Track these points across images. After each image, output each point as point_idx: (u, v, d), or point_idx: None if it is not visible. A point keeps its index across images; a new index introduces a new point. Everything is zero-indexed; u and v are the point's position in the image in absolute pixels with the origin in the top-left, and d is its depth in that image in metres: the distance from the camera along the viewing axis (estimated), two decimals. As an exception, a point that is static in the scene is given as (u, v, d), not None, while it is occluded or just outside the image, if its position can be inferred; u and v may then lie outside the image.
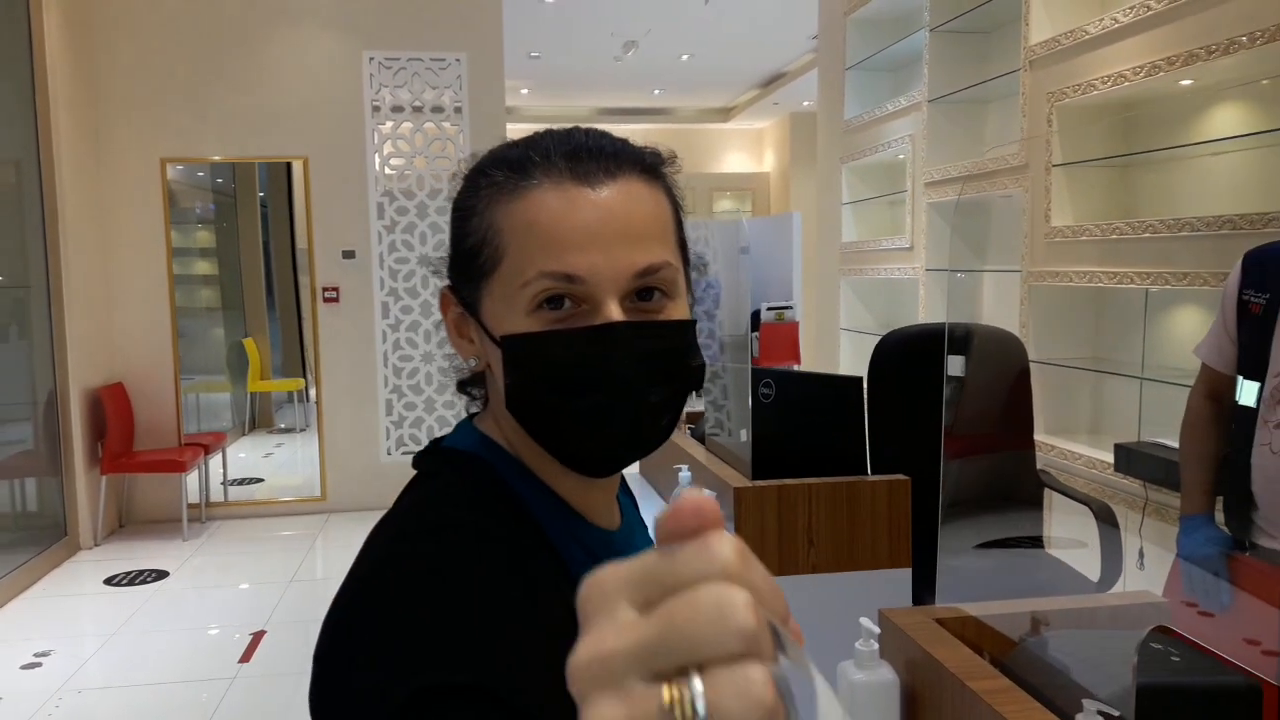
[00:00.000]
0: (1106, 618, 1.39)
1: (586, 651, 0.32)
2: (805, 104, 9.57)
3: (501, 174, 0.74)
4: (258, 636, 4.03)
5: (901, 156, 5.38)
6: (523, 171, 0.73)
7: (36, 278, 5.10)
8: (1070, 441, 3.86)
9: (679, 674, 0.31)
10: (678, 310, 0.75)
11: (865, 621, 1.27)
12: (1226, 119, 3.41)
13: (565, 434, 0.73)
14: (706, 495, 0.34)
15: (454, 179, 0.81)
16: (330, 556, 5.23)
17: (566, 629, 0.39)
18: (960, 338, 3.08)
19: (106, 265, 5.68)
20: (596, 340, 0.70)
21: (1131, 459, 3.40)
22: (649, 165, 0.76)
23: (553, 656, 0.41)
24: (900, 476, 2.18)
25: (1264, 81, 3.29)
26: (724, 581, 0.32)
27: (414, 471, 0.82)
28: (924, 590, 2.51)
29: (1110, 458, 3.53)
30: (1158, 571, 3.25)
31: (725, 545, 0.33)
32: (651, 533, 0.35)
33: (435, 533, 0.70)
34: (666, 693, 0.30)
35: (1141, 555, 3.17)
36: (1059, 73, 3.90)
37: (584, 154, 0.73)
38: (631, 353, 0.71)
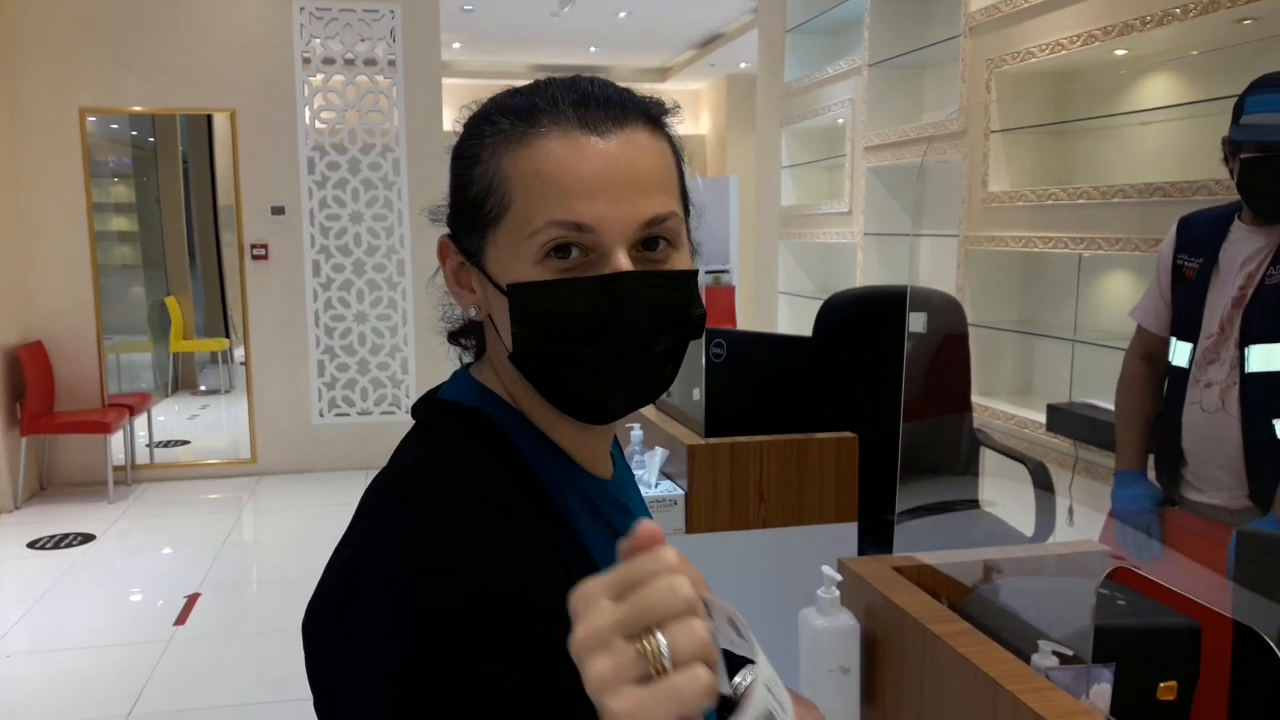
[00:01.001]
0: (1053, 566, 1.44)
1: (582, 630, 0.48)
2: (743, 65, 9.56)
3: (508, 122, 0.73)
4: (192, 599, 3.95)
5: (841, 121, 5.42)
6: (530, 119, 0.73)
7: (-52, 231, 4.88)
8: (1003, 403, 3.96)
9: (647, 633, 0.48)
10: (681, 260, 0.76)
11: (827, 570, 1.30)
12: (1158, 89, 3.50)
13: (571, 383, 0.74)
14: (654, 525, 0.51)
15: (457, 124, 0.79)
16: (262, 520, 5.15)
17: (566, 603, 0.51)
18: (900, 301, 3.13)
19: (21, 221, 5.45)
20: (606, 289, 0.71)
21: (1062, 419, 3.50)
22: (653, 115, 0.77)
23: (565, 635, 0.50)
24: (848, 434, 2.21)
25: (1194, 53, 3.38)
26: (671, 572, 0.49)
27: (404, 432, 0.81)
28: (869, 544, 2.56)
29: (1042, 418, 3.63)
30: (1088, 527, 3.36)
31: (669, 552, 0.51)
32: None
33: (444, 497, 0.69)
34: (641, 645, 0.47)
35: (1071, 512, 3.27)
36: (998, 39, 3.96)
37: (592, 103, 0.73)
38: (640, 302, 0.71)
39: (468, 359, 0.85)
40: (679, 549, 0.52)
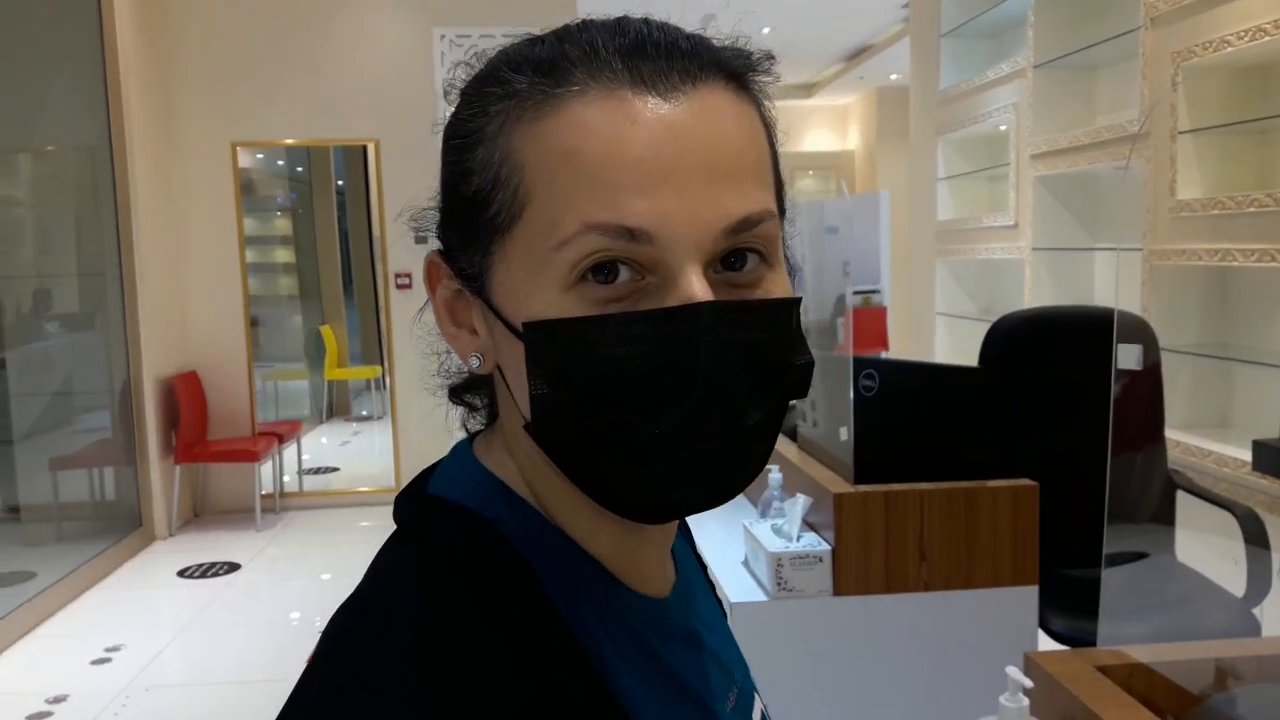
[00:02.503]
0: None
1: None
2: (893, 77, 9.18)
3: (524, 80, 0.50)
4: (326, 634, 3.90)
5: (1003, 127, 5.02)
6: (557, 75, 0.49)
7: (110, 265, 5.06)
8: (1198, 437, 3.50)
9: None
10: (779, 283, 0.52)
11: (1013, 673, 1.02)
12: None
13: (618, 469, 0.49)
14: None
15: (448, 96, 0.55)
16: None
17: None
18: (1085, 323, 2.77)
19: (178, 252, 5.63)
20: (674, 329, 0.47)
21: (1272, 457, 3.05)
22: (737, 70, 0.52)
23: None
24: (1026, 482, 1.90)
25: None
26: None
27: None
28: (1051, 609, 2.23)
29: (1245, 455, 3.18)
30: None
31: None
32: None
33: (422, 674, 0.46)
34: None
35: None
36: (1185, 29, 3.53)
37: (649, 50, 0.49)
38: (725, 349, 0.47)
39: (474, 424, 0.62)
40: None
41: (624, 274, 0.47)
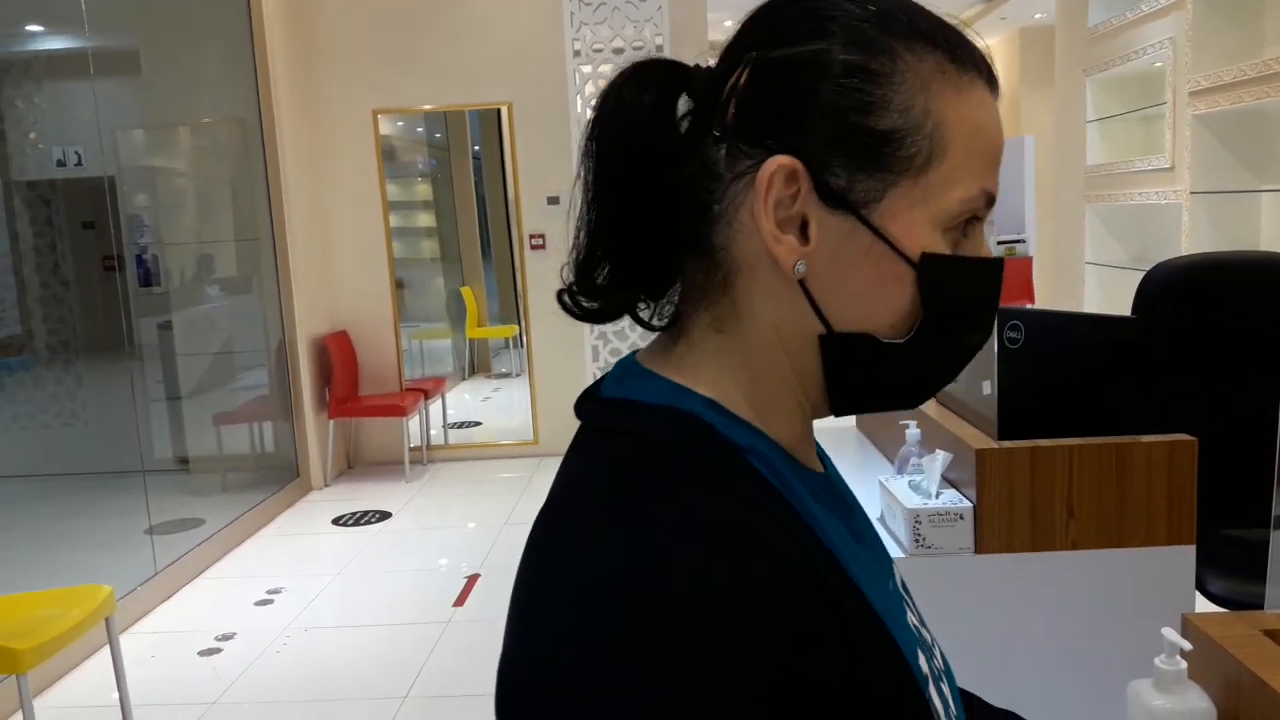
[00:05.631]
0: None
1: None
2: (1037, 16, 8.73)
3: (940, 56, 0.59)
4: (472, 580, 4.05)
5: (1159, 64, 4.73)
6: (962, 59, 0.60)
7: (264, 231, 5.31)
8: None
9: None
10: None
11: (1169, 634, 0.98)
12: None
13: (920, 376, 0.64)
14: None
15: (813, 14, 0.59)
16: (540, 500, 5.23)
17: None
18: (1250, 270, 2.60)
19: (326, 218, 5.86)
20: (998, 276, 0.64)
21: None
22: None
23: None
24: (1184, 437, 1.81)
25: None
26: None
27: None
28: (1209, 572, 2.13)
29: None
30: None
31: None
32: None
33: (691, 531, 0.53)
34: None
35: None
36: (1371, -53, 3.24)
37: (988, 63, 0.63)
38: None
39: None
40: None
41: (971, 229, 0.62)
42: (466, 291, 8.55)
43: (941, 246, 0.60)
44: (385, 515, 5.03)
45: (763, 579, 0.52)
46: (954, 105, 0.59)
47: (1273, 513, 1.41)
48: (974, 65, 0.60)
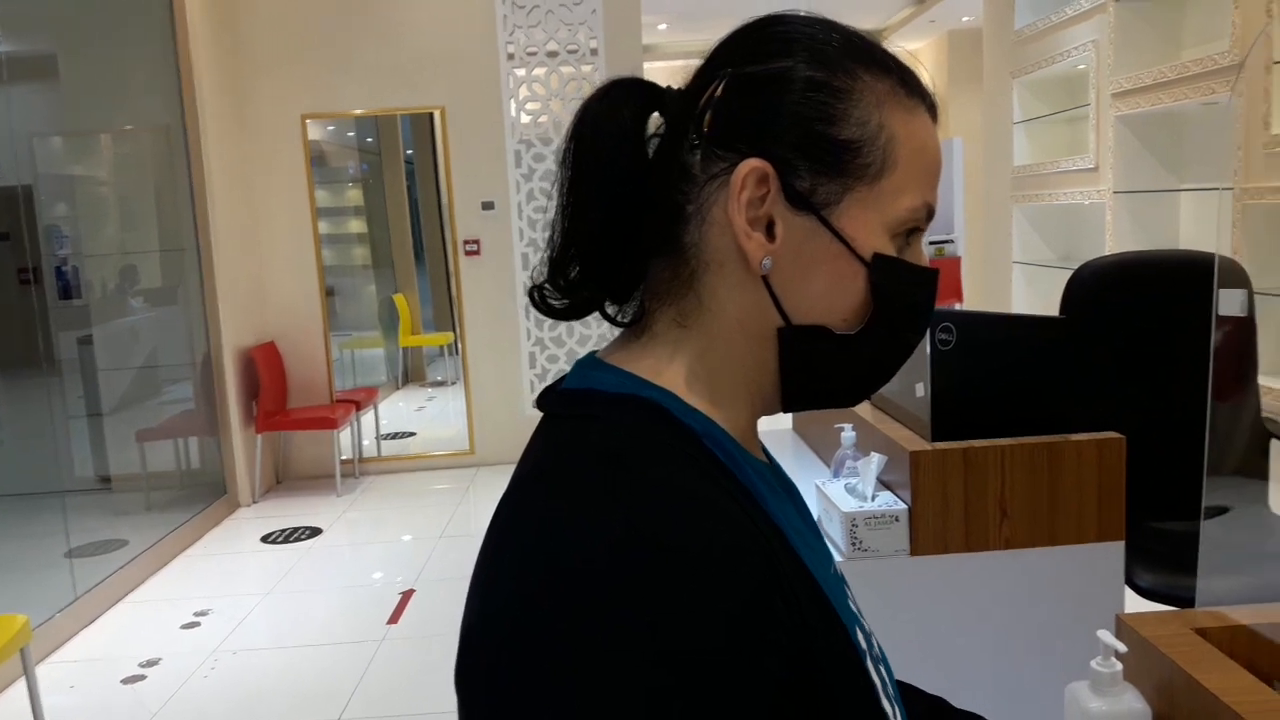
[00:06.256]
0: None
1: None
2: (965, 19, 8.87)
3: (892, 80, 0.67)
4: (406, 596, 3.97)
5: (1083, 67, 4.82)
6: (910, 86, 0.67)
7: (188, 240, 5.16)
8: (1294, 383, 3.35)
9: None
10: None
11: (1105, 635, 0.97)
12: None
13: (871, 369, 0.70)
14: None
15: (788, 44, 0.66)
16: (477, 512, 5.16)
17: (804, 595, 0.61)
18: (1173, 267, 2.65)
19: (254, 225, 5.72)
20: (936, 284, 0.70)
21: (1376, 402, 2.90)
22: None
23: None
24: (1112, 435, 1.82)
25: None
26: None
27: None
28: (1138, 565, 2.15)
29: (1346, 401, 3.03)
30: None
31: None
32: None
33: (645, 496, 0.57)
34: None
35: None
36: (1281, -49, 3.33)
37: (930, 94, 0.70)
38: None
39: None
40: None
41: (912, 239, 0.68)
42: (399, 299, 8.42)
43: (890, 250, 0.66)
44: (316, 531, 4.91)
45: (718, 536, 0.56)
46: (904, 124, 0.66)
47: (1203, 505, 1.41)
48: (920, 94, 0.68)
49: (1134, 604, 2.01)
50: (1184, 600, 2.24)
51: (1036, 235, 5.63)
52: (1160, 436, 2.23)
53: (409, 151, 8.84)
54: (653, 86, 0.69)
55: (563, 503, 0.58)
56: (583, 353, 4.65)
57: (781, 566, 0.59)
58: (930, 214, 0.68)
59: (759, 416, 0.72)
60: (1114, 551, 1.83)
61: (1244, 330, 2.58)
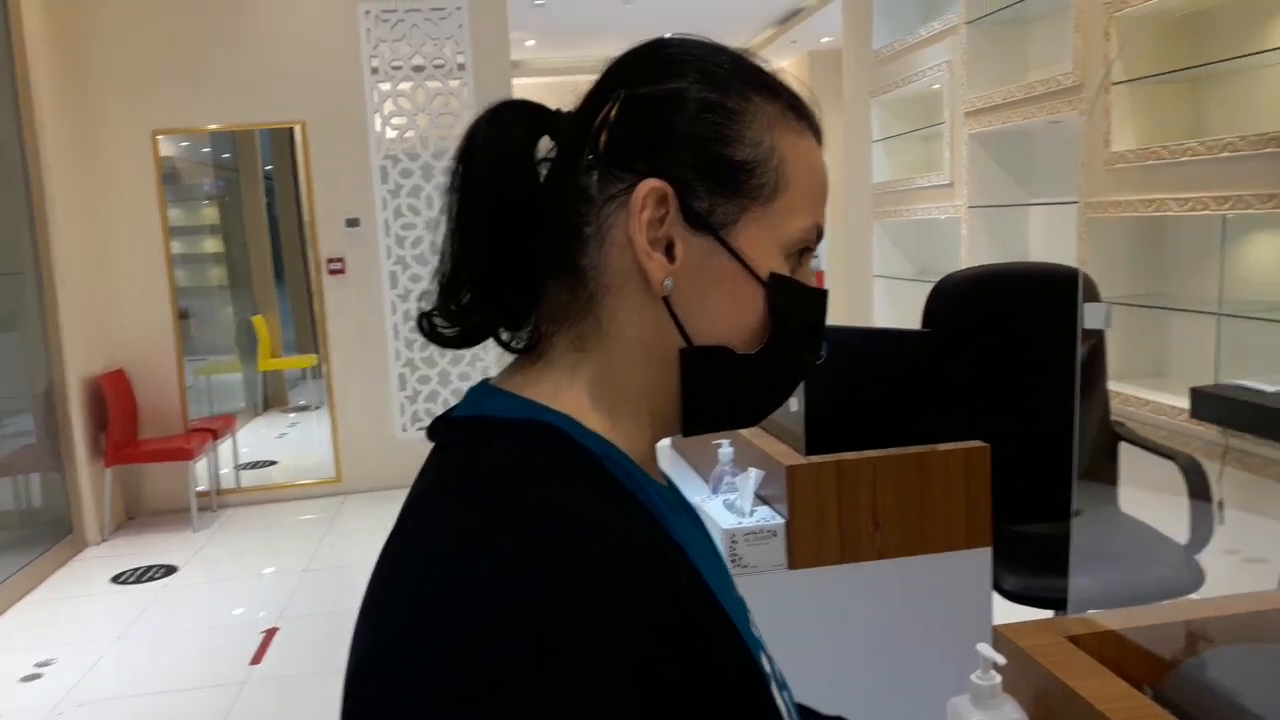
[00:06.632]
0: (1276, 623, 1.09)
1: None
2: (825, 40, 9.13)
3: (782, 103, 0.68)
4: (270, 634, 3.78)
5: (937, 86, 5.00)
6: (799, 111, 0.69)
7: (28, 263, 4.84)
8: (1137, 387, 3.53)
9: None
10: None
11: (984, 649, 0.97)
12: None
13: (767, 389, 0.70)
14: None
15: (666, 65, 0.67)
16: (345, 543, 4.98)
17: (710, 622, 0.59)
18: (1028, 279, 2.75)
19: (100, 247, 5.40)
20: (826, 303, 0.71)
21: (1210, 404, 3.08)
22: None
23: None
24: (977, 444, 1.86)
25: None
26: None
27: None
28: (1004, 569, 2.21)
29: (1182, 403, 3.21)
30: (1240, 528, 2.93)
31: None
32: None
33: (542, 519, 0.56)
34: None
35: (1221, 507, 2.85)
36: (1115, -20, 3.52)
37: (815, 115, 0.71)
38: None
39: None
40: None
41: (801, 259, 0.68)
42: (259, 320, 8.11)
43: (785, 270, 0.67)
44: (171, 569, 4.64)
45: (617, 559, 0.54)
46: (794, 146, 0.67)
47: (1072, 506, 1.45)
48: (807, 118, 0.69)
49: (1000, 606, 2.06)
50: (1048, 601, 2.31)
51: (896, 249, 5.81)
52: (1018, 443, 2.30)
53: (268, 167, 8.54)
54: (542, 108, 0.68)
55: (455, 528, 0.56)
56: (456, 372, 4.59)
57: (685, 589, 0.58)
58: (819, 234, 0.68)
59: (658, 439, 0.71)
60: (982, 557, 1.87)
61: (1099, 337, 2.70)
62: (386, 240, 5.61)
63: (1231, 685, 0.91)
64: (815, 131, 0.70)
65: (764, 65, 0.70)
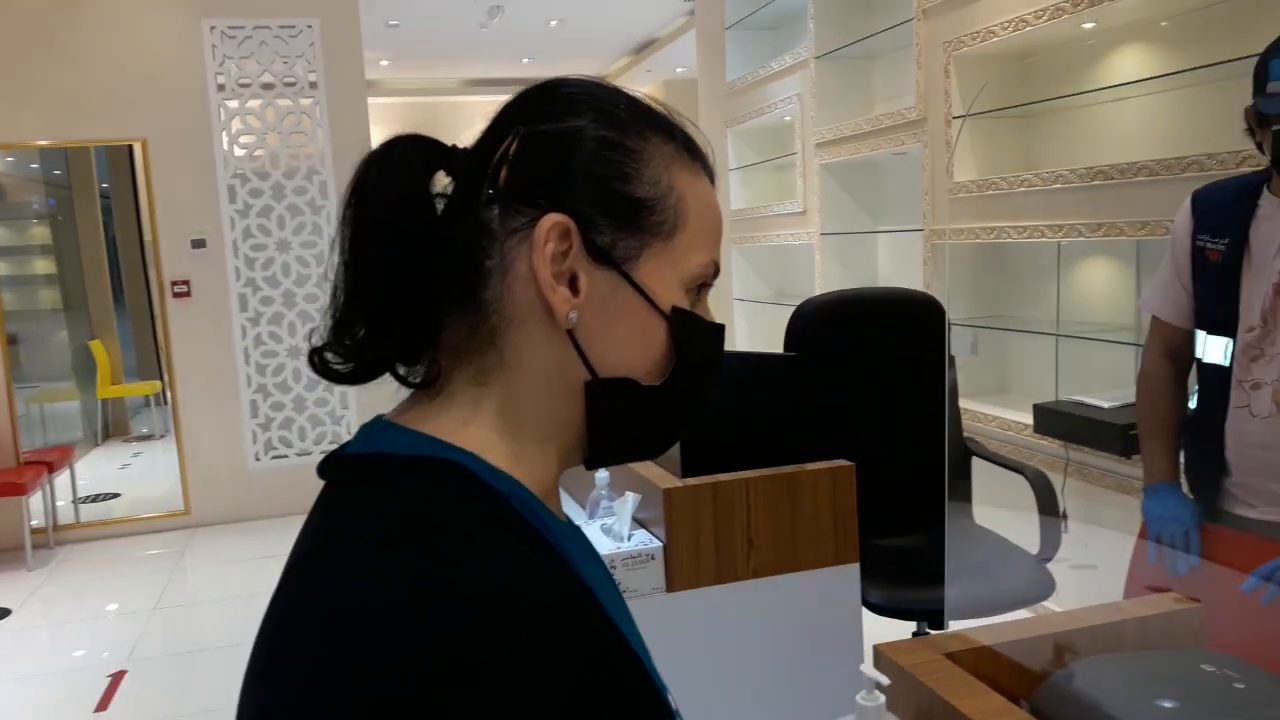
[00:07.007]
0: (1136, 633, 1.17)
1: None
2: (679, 70, 9.32)
3: (680, 141, 0.70)
4: (117, 678, 3.57)
5: (789, 118, 5.17)
6: (693, 152, 0.71)
7: None
8: (983, 404, 3.73)
9: None
10: None
11: (867, 669, 1.01)
12: (1129, 63, 3.29)
13: (672, 423, 0.72)
14: None
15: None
16: (196, 579, 4.75)
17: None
18: (883, 303, 2.88)
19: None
20: (723, 338, 0.73)
21: (1050, 419, 3.28)
22: None
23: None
24: (843, 462, 1.94)
25: (1163, 24, 3.18)
26: None
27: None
28: (870, 584, 2.29)
29: (1025, 418, 3.41)
30: (1081, 534, 3.13)
31: None
32: None
33: (460, 553, 0.56)
34: None
35: (1065, 517, 3.05)
36: (955, 20, 3.73)
37: (708, 156, 0.74)
38: None
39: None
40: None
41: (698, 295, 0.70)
42: (97, 345, 7.66)
43: (685, 304, 0.68)
44: (4, 612, 4.33)
45: (538, 594, 0.55)
46: (690, 185, 0.68)
47: (946, 524, 1.52)
48: (701, 159, 0.71)
49: (869, 619, 2.14)
50: (910, 612, 2.41)
51: (754, 274, 5.97)
52: (876, 460, 2.39)
53: (104, 185, 8.11)
54: (437, 143, 0.68)
55: (367, 566, 0.55)
56: (312, 398, 4.44)
57: (597, 627, 0.59)
58: (716, 271, 0.70)
59: (561, 473, 0.71)
60: (851, 572, 1.94)
61: (944, 358, 2.84)
62: (235, 261, 5.42)
63: (1097, 694, 0.98)
64: (709, 172, 0.72)
65: (659, 108, 0.71)
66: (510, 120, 0.67)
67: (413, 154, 0.67)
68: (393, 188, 0.65)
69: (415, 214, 0.66)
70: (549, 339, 0.65)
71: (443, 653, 0.50)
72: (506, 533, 0.59)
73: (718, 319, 0.73)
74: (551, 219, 0.63)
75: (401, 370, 0.69)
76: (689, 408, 0.71)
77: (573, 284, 0.65)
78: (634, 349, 0.67)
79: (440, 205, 0.67)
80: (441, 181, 0.68)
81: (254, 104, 5.39)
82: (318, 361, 0.68)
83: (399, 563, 0.54)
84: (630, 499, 1.86)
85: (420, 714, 0.49)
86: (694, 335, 0.68)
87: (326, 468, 0.66)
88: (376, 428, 0.67)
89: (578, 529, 0.74)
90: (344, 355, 0.67)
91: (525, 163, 0.65)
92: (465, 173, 0.67)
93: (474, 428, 0.65)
